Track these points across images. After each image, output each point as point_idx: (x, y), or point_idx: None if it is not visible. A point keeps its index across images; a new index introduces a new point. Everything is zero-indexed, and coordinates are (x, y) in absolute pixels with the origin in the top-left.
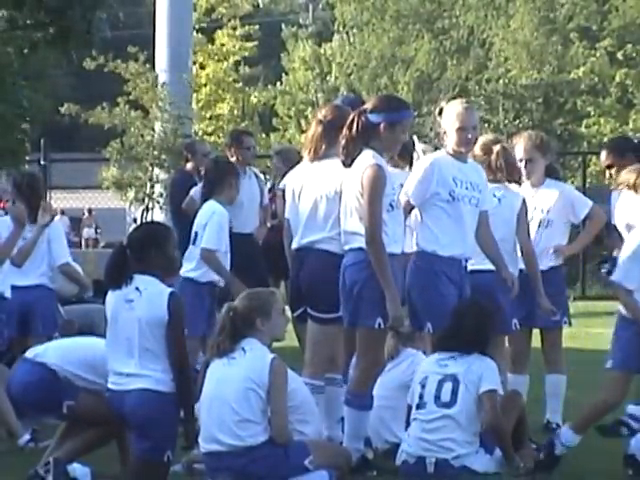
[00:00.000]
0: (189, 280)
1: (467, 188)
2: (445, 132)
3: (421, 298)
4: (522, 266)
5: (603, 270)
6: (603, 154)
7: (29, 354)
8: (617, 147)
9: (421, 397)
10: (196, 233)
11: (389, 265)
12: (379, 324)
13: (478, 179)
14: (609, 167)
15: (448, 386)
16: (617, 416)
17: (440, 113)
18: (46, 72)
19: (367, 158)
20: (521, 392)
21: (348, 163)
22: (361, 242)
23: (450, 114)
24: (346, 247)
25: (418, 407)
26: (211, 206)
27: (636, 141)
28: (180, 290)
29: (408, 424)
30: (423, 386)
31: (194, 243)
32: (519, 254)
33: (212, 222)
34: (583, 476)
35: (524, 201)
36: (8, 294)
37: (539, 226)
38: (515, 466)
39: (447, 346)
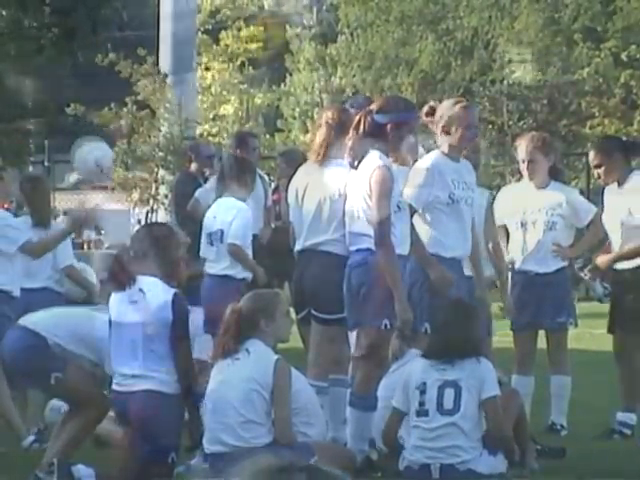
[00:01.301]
0: (227, 277)
1: (463, 189)
2: (446, 131)
3: (422, 299)
4: (527, 268)
5: (577, 265)
6: (591, 154)
7: (22, 321)
8: (605, 147)
9: (422, 404)
10: (222, 231)
11: (398, 266)
12: (385, 325)
13: (471, 178)
14: (597, 167)
15: (450, 392)
16: (609, 426)
17: (429, 114)
18: (51, 73)
19: (374, 159)
20: (526, 393)
21: (355, 164)
22: (368, 243)
23: (453, 112)
24: (352, 248)
25: (419, 414)
26: (233, 203)
27: (624, 140)
28: (218, 287)
29: (394, 427)
30: (422, 392)
31: (221, 241)
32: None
33: (238, 218)
34: (596, 476)
35: (490, 199)
36: (16, 293)
37: (544, 228)
38: (521, 465)
39: (440, 355)
